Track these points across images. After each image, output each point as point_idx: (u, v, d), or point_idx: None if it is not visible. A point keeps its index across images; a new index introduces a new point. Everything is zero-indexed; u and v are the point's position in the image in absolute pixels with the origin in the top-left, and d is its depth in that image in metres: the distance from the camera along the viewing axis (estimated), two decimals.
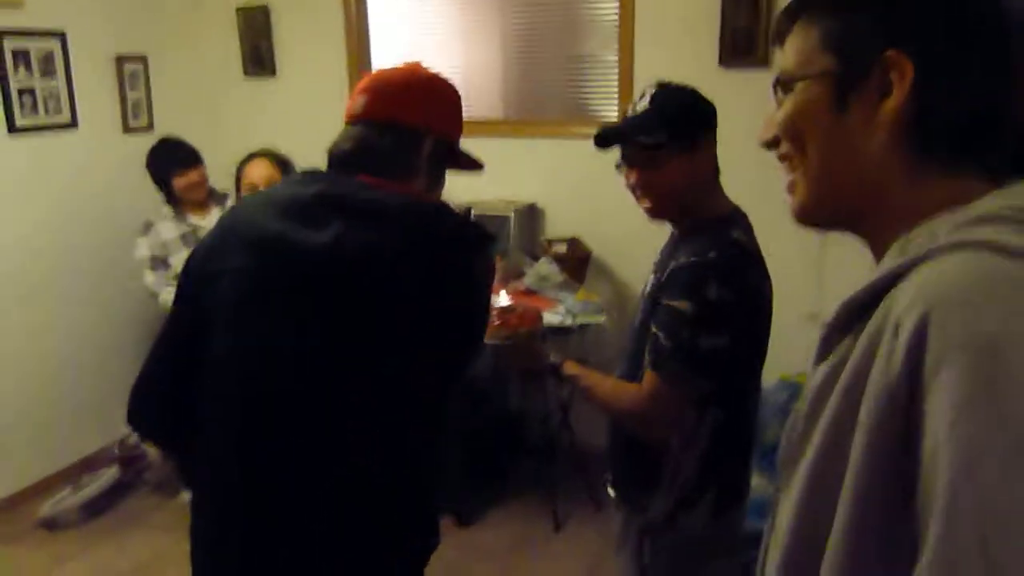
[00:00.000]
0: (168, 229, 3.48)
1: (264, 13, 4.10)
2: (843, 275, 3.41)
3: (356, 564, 1.26)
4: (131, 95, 4.07)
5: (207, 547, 1.31)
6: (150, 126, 4.11)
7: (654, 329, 1.52)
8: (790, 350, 3.50)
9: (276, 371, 1.21)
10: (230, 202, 3.57)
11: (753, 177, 3.43)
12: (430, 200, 1.34)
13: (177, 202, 3.51)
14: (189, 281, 1.31)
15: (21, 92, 3.58)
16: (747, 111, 3.34)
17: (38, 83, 3.64)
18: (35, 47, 3.61)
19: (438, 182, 1.38)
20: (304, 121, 4.12)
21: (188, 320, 1.30)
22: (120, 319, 3.99)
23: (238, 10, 4.12)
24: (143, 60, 4.12)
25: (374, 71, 1.43)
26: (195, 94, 4.21)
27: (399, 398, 1.21)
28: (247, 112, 4.22)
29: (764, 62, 3.26)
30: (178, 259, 3.43)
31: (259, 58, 4.17)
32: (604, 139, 1.60)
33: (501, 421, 3.70)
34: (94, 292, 3.90)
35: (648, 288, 1.65)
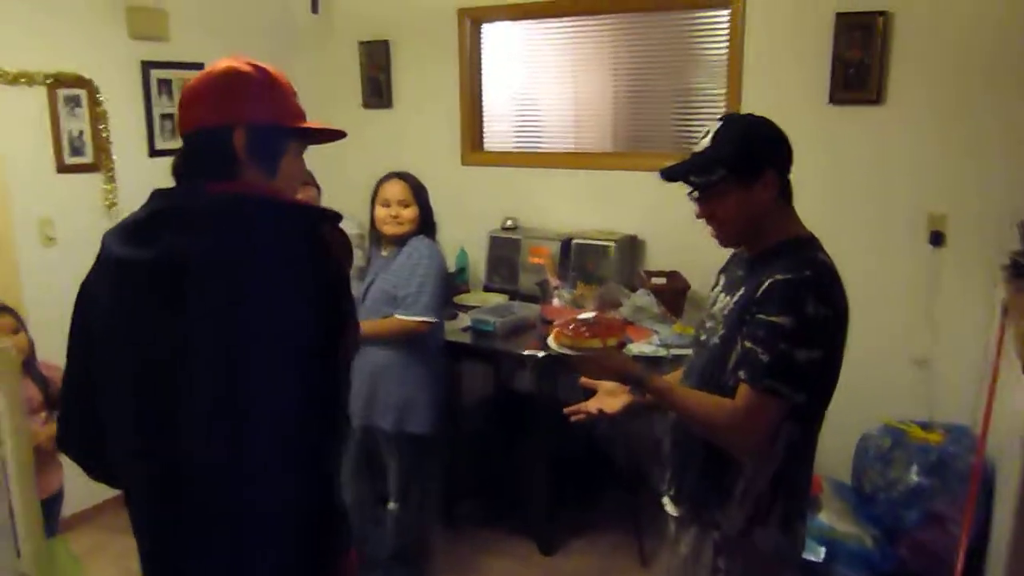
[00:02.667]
0: None
1: (385, 46, 4.32)
2: (954, 322, 3.28)
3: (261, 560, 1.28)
4: None
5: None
6: None
7: (748, 344, 1.55)
8: (895, 395, 3.40)
9: (152, 383, 1.26)
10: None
11: (869, 217, 3.37)
12: (275, 189, 1.37)
13: None
14: (77, 313, 1.38)
15: (163, 117, 3.91)
16: (857, 150, 3.33)
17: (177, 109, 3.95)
18: (177, 77, 3.92)
19: (274, 166, 1.36)
20: (416, 151, 4.30)
21: (82, 344, 1.37)
22: None
23: (361, 43, 4.36)
24: None
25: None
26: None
27: (274, 390, 1.23)
28: (364, 142, 4.43)
29: (877, 99, 3.19)
30: None
31: (378, 90, 4.39)
32: (668, 177, 1.69)
33: (588, 447, 3.70)
34: None
35: (729, 306, 1.67)
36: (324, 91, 4.49)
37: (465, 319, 3.43)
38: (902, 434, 3.05)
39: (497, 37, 4.18)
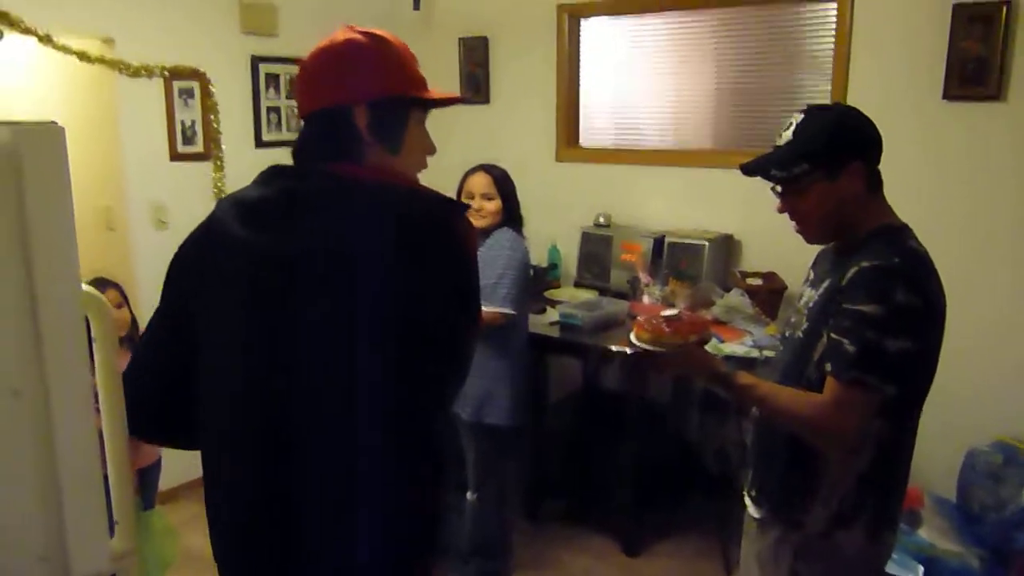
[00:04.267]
0: None
1: (484, 42, 4.35)
2: None
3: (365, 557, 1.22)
4: None
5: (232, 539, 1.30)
6: None
7: (834, 335, 1.49)
8: (1007, 409, 3.19)
9: (271, 375, 1.20)
10: None
11: (974, 215, 3.18)
12: (400, 170, 1.30)
13: None
14: (172, 286, 1.32)
15: (269, 110, 4.05)
16: (970, 148, 3.15)
17: (284, 103, 4.10)
18: (284, 71, 4.06)
19: (398, 142, 1.29)
20: (512, 146, 4.32)
21: (171, 326, 1.32)
22: None
23: (460, 39, 4.41)
24: None
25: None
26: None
27: (397, 383, 1.18)
28: (461, 137, 4.48)
29: (996, 95, 3.01)
30: None
31: (475, 85, 4.43)
32: (748, 171, 1.64)
33: (677, 449, 3.63)
34: None
35: (814, 299, 1.61)
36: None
37: (553, 313, 3.42)
38: (1015, 451, 2.87)
39: (596, 32, 4.15)
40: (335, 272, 1.17)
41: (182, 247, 1.32)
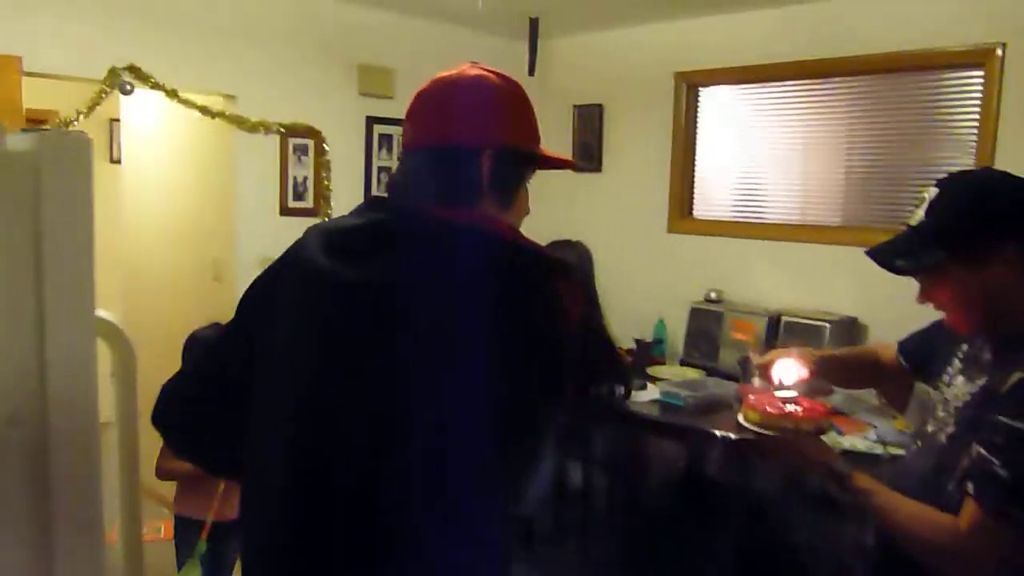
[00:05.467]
0: None
1: (598, 110, 4.28)
2: None
3: None
4: None
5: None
6: None
7: (982, 451, 1.23)
8: None
9: (331, 417, 1.09)
10: None
11: None
12: (506, 222, 1.18)
13: None
14: (246, 309, 1.23)
15: (380, 170, 4.08)
16: None
17: (395, 164, 4.12)
18: (397, 133, 4.10)
19: (511, 196, 1.19)
20: (623, 216, 4.19)
21: (236, 345, 1.22)
22: None
23: (575, 107, 4.35)
24: None
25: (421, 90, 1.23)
26: (535, 186, 4.47)
27: (463, 442, 1.05)
28: (573, 206, 4.38)
29: None
30: None
31: (589, 153, 4.34)
32: (876, 260, 1.39)
33: (780, 552, 3.27)
34: None
35: (966, 397, 1.35)
36: None
37: (654, 391, 3.19)
38: None
39: (717, 100, 4.00)
40: (427, 321, 1.07)
41: (263, 273, 1.24)
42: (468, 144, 1.16)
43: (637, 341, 3.74)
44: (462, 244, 1.11)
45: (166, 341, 2.85)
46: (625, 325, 3.94)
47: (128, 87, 3.20)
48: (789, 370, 1.74)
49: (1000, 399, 1.24)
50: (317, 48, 3.80)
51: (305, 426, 1.11)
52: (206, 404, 1.24)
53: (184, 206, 4.15)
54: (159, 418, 1.24)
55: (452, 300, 1.07)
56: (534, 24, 3.97)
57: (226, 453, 1.23)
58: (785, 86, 3.73)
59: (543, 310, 1.11)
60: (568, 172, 4.40)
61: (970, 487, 1.23)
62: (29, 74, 2.77)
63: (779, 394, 1.68)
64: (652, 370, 3.56)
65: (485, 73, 1.20)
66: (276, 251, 3.85)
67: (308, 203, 3.81)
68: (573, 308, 1.14)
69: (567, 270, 1.19)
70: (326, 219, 1.31)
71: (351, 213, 1.21)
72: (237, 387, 1.18)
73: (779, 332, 3.43)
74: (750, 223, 3.87)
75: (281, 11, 3.67)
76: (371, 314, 1.08)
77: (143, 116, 4.28)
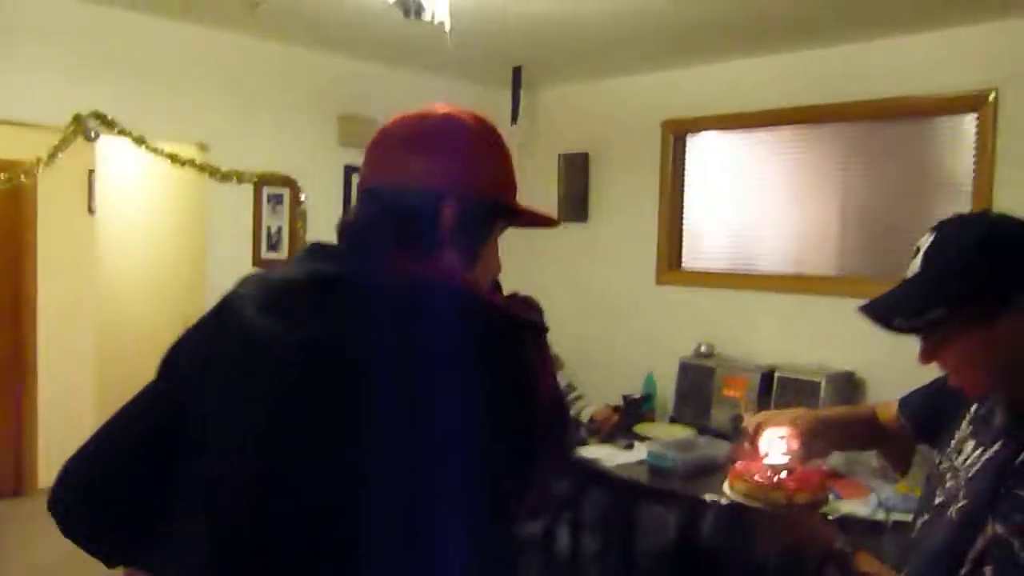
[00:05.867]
0: None
1: (584, 159, 4.18)
2: None
3: None
4: None
5: None
6: None
7: (1000, 529, 1.07)
8: None
9: (271, 499, 0.94)
10: None
11: None
12: (470, 278, 1.05)
13: None
14: (172, 372, 1.06)
15: None
16: None
17: None
18: None
19: (476, 250, 1.06)
20: (610, 267, 4.06)
21: (161, 414, 1.05)
22: None
23: (561, 155, 4.25)
24: None
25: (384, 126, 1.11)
26: (512, 235, 4.35)
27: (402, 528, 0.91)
28: (558, 257, 4.26)
29: None
30: None
31: (574, 203, 4.22)
32: (871, 318, 1.21)
33: None
34: None
35: (979, 463, 1.19)
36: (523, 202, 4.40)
37: (642, 451, 3.02)
38: None
39: (705, 148, 3.90)
40: (376, 388, 0.92)
41: (192, 329, 1.06)
42: (429, 187, 1.03)
43: (625, 397, 3.58)
44: (422, 300, 0.97)
45: None
46: (612, 380, 3.79)
47: (93, 133, 3.09)
48: (777, 440, 1.58)
49: (1018, 471, 1.09)
50: (296, 97, 3.71)
51: (240, 509, 0.95)
52: (119, 481, 1.06)
53: (159, 257, 4.03)
54: (58, 504, 1.06)
55: (411, 366, 0.92)
56: (517, 72, 3.90)
57: (134, 537, 1.06)
58: (776, 132, 3.63)
59: (516, 376, 0.97)
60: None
61: (988, 571, 1.07)
62: None
63: (770, 461, 1.52)
64: (640, 428, 3.39)
65: (456, 112, 1.08)
66: None
67: (282, 254, 3.68)
68: (546, 373, 1.01)
69: (540, 332, 1.05)
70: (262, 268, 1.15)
71: (292, 261, 1.07)
72: (157, 462, 1.02)
73: (773, 388, 3.27)
74: (741, 274, 3.74)
75: (260, 60, 3.58)
76: (316, 383, 0.93)
77: (119, 167, 4.18)
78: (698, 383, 3.53)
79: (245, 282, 1.05)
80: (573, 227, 4.22)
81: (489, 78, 4.09)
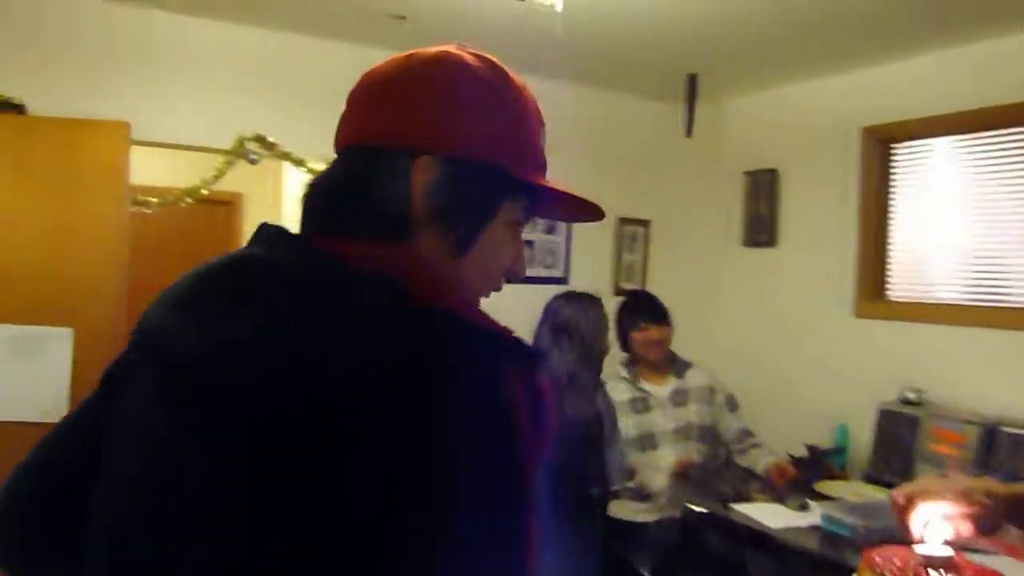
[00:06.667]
0: (619, 390, 3.18)
1: (772, 176, 3.71)
2: None
3: None
4: (627, 257, 4.02)
5: None
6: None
7: None
8: None
9: (150, 526, 0.70)
10: (692, 373, 3.17)
11: None
12: (450, 282, 0.77)
13: (634, 362, 3.21)
14: (103, 385, 0.85)
15: None
16: None
17: (539, 237, 3.81)
18: None
19: (467, 236, 0.78)
20: (799, 298, 3.56)
21: (81, 427, 0.86)
22: None
23: (745, 173, 3.81)
24: (645, 224, 4.07)
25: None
26: (691, 260, 3.98)
27: None
28: (741, 285, 3.82)
29: None
30: (623, 424, 3.10)
31: (760, 225, 3.76)
32: None
33: None
34: None
35: None
36: (694, 225, 4.01)
37: (815, 513, 2.51)
38: None
39: (913, 158, 3.30)
40: (254, 398, 0.67)
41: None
42: (397, 144, 0.77)
43: (809, 448, 3.06)
44: (345, 303, 0.70)
45: None
46: (797, 427, 3.28)
47: (253, 156, 3.15)
48: (939, 521, 1.15)
49: None
50: None
51: (130, 538, 0.74)
52: (40, 513, 0.89)
53: None
54: None
55: (320, 396, 0.65)
56: (692, 80, 3.55)
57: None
58: (1003, 135, 2.98)
59: (474, 417, 0.66)
60: (739, 247, 3.84)
61: None
62: (137, 143, 2.76)
63: (920, 550, 1.10)
64: (823, 486, 2.85)
65: (456, 50, 0.82)
66: None
67: None
68: (522, 411, 0.68)
69: (528, 361, 0.72)
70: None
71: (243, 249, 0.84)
72: (73, 492, 0.84)
73: (995, 447, 2.63)
74: (963, 306, 3.08)
75: None
76: (204, 408, 0.70)
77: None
78: (900, 435, 2.94)
79: (184, 275, 0.85)
80: (758, 252, 3.76)
81: (660, 90, 3.77)
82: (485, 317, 0.73)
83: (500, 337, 0.71)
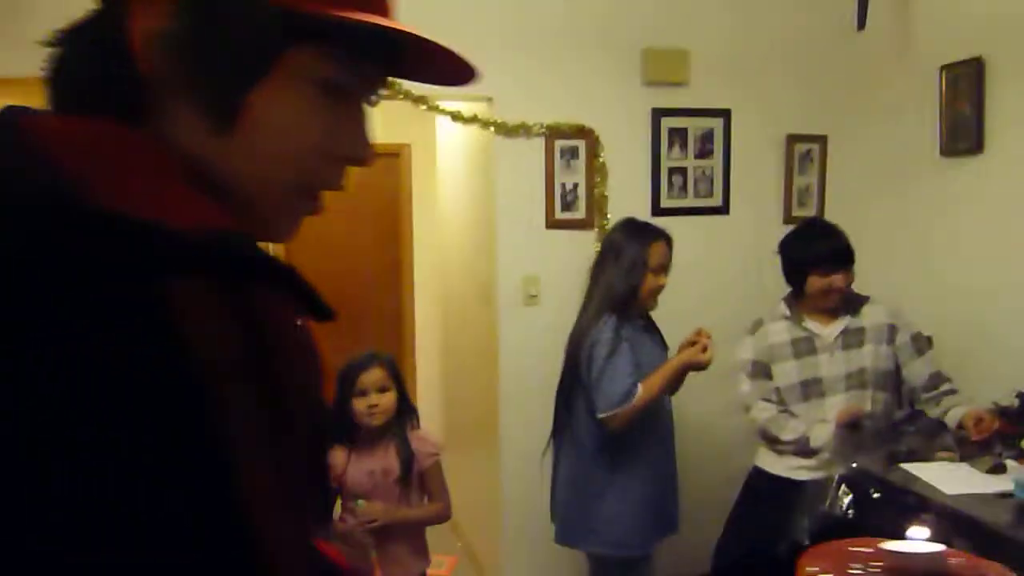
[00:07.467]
0: (778, 331, 2.78)
1: (977, 68, 3.05)
2: None
3: None
4: (798, 180, 3.54)
5: None
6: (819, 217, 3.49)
7: None
8: None
9: None
10: (868, 309, 2.71)
11: None
12: (229, 172, 0.58)
13: (797, 302, 2.79)
14: None
15: (671, 171, 3.41)
16: None
17: (692, 163, 3.42)
18: (694, 125, 3.40)
19: (229, 104, 0.56)
20: (1016, 215, 2.93)
21: None
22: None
23: (942, 67, 3.17)
24: (821, 140, 3.55)
25: None
26: (878, 179, 3.41)
27: None
28: (941, 202, 3.21)
29: None
30: (783, 369, 2.73)
31: (962, 129, 3.13)
32: None
33: None
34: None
35: None
36: (880, 135, 3.42)
37: (1010, 477, 2.03)
38: None
39: None
40: None
41: None
42: None
43: (1020, 396, 2.51)
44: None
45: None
46: (1006, 371, 2.71)
47: (372, 97, 3.05)
48: None
49: None
50: (588, 34, 3.29)
51: None
52: None
53: (460, 226, 4.02)
54: None
55: None
56: None
57: None
58: None
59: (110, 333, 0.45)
60: (935, 158, 3.21)
61: None
62: None
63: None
64: None
65: None
66: (542, 269, 3.32)
67: (579, 213, 3.31)
68: (194, 331, 0.48)
69: (230, 274, 0.52)
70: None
71: None
72: None
73: None
74: None
75: None
76: None
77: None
78: None
79: None
80: (962, 162, 3.13)
81: None
82: (183, 210, 0.51)
83: (174, 240, 0.48)
